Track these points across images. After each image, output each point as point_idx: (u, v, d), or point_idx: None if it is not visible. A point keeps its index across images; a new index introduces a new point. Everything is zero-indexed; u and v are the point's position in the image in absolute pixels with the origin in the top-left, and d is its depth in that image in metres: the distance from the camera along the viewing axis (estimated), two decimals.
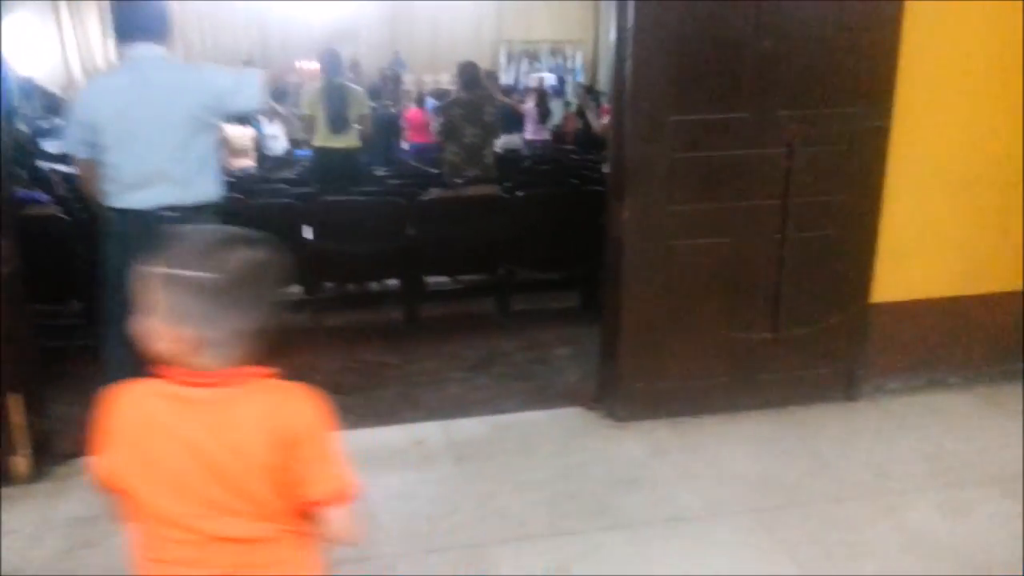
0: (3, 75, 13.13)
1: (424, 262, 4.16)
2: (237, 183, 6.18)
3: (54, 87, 14.58)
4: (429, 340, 4.05)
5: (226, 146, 6.97)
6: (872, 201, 2.99)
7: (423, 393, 3.35)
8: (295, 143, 9.05)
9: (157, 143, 2.47)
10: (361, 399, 3.29)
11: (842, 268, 3.00)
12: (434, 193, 4.64)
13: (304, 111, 5.85)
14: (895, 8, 2.82)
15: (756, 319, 2.99)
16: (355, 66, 16.94)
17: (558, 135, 10.56)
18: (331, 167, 5.62)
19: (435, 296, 4.64)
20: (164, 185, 2.48)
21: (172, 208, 2.46)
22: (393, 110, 10.84)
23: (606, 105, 6.40)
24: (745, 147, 2.86)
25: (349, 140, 5.62)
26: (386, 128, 7.12)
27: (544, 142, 9.55)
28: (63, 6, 14.62)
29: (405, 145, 9.15)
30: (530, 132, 9.55)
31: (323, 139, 5.62)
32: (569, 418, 3.05)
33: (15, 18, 13.71)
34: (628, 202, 2.84)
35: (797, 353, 3.04)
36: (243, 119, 7.40)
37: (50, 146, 6.65)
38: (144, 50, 2.51)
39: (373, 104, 7.24)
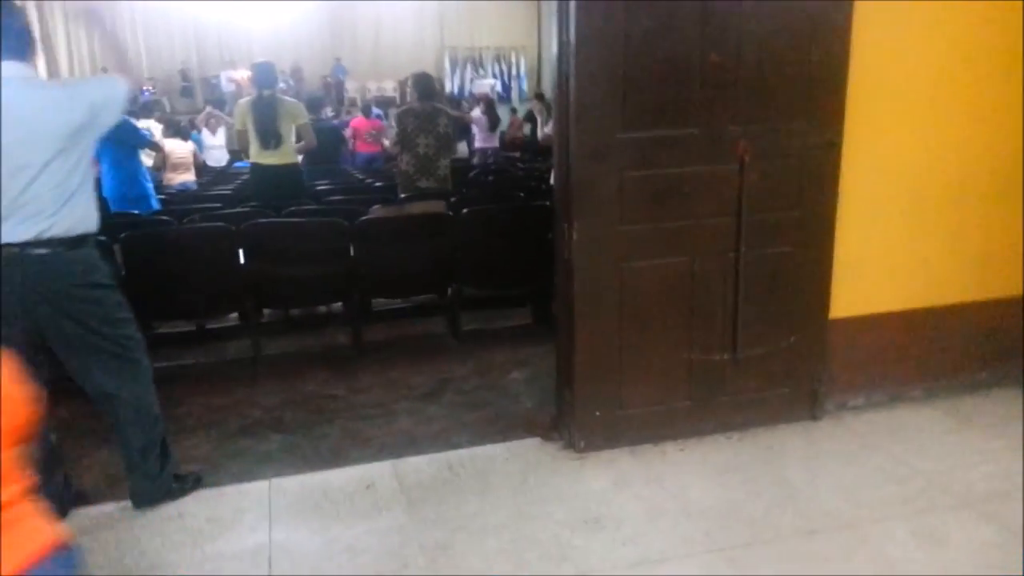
0: None
1: (368, 284, 3.96)
2: (172, 200, 5.94)
3: None
4: (376, 367, 3.87)
5: (166, 161, 6.70)
6: (826, 216, 2.91)
7: (371, 428, 3.17)
8: (234, 154, 8.74)
9: (16, 169, 2.19)
10: (305, 437, 3.09)
11: (799, 285, 2.91)
12: (377, 211, 4.45)
13: (236, 125, 5.60)
14: (844, 20, 2.74)
15: (714, 340, 2.88)
16: (297, 72, 16.66)
17: (504, 142, 10.48)
18: (267, 183, 5.39)
19: (381, 317, 4.46)
20: (27, 216, 2.23)
21: (41, 242, 2.24)
22: (335, 120, 10.61)
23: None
24: (696, 163, 2.75)
25: (283, 156, 5.37)
26: (329, 139, 6.87)
27: (494, 150, 9.44)
28: None
29: (351, 155, 8.94)
30: (480, 140, 9.42)
31: (256, 155, 5.38)
32: (526, 450, 2.90)
33: None
34: (577, 223, 2.70)
35: (758, 373, 2.94)
36: (182, 132, 7.16)
37: None
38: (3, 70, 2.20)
39: (311, 116, 7.02)
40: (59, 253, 2.27)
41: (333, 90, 17.09)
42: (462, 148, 9.44)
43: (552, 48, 2.74)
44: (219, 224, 3.74)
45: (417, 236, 3.98)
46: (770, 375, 2.95)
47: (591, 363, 2.80)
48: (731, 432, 2.94)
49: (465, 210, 4.03)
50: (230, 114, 7.94)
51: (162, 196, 6.10)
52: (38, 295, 2.26)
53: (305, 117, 5.51)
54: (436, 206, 4.48)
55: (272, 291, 3.83)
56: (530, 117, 12.29)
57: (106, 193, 5.31)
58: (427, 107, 5.50)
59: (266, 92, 5.32)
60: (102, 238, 2.72)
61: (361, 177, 7.32)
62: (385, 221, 4.00)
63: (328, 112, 12.99)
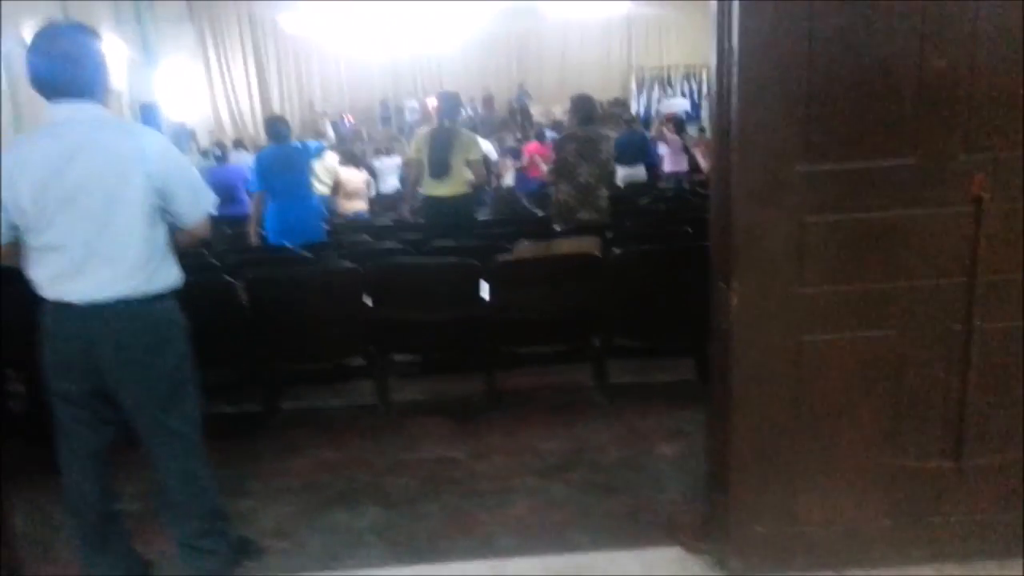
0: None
1: (500, 331, 3.49)
2: (341, 228, 5.85)
3: (205, 132, 15.25)
4: (506, 424, 3.38)
5: (340, 189, 6.71)
6: None
7: (480, 510, 2.67)
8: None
9: (95, 220, 1.92)
10: (405, 515, 2.66)
11: None
12: (522, 248, 3.98)
13: (411, 153, 5.47)
14: None
15: (929, 442, 2.10)
16: (488, 101, 16.80)
17: (693, 164, 9.73)
18: (437, 215, 5.19)
19: (522, 361, 3.96)
20: (106, 271, 1.95)
21: (121, 301, 1.95)
22: (514, 145, 10.37)
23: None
24: (908, 206, 2.01)
25: (454, 187, 5.13)
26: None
27: (683, 174, 8.77)
28: (211, 50, 15.23)
29: (524, 180, 8.64)
30: (670, 164, 8.81)
31: (428, 186, 5.19)
32: (664, 563, 2.27)
33: (167, 65, 14.43)
34: (739, 284, 2.05)
35: (989, 488, 2.12)
36: (356, 161, 7.19)
37: None
38: (74, 110, 1.95)
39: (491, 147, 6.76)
40: (141, 313, 1.99)
41: (519, 115, 17.10)
42: (639, 173, 8.83)
43: (711, 64, 2.13)
44: (344, 265, 3.42)
45: (559, 280, 3.45)
46: (1006, 492, 2.11)
47: (754, 464, 2.12)
48: (945, 563, 2.14)
49: (618, 250, 3.44)
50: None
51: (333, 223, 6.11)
52: (110, 350, 1.99)
53: (479, 152, 5.24)
54: (588, 244, 3.93)
55: (396, 336, 3.45)
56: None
57: (270, 225, 5.29)
58: (589, 132, 5.05)
59: (447, 123, 5.13)
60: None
61: (527, 204, 6.94)
62: (521, 264, 3.50)
63: (510, 139, 12.89)
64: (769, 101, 1.96)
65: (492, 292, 3.45)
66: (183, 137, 15.01)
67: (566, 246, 3.96)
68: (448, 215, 5.09)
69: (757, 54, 1.96)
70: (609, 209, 5.11)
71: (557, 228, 4.70)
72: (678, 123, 9.36)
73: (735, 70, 1.97)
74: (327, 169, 6.63)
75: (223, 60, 15.31)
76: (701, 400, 3.46)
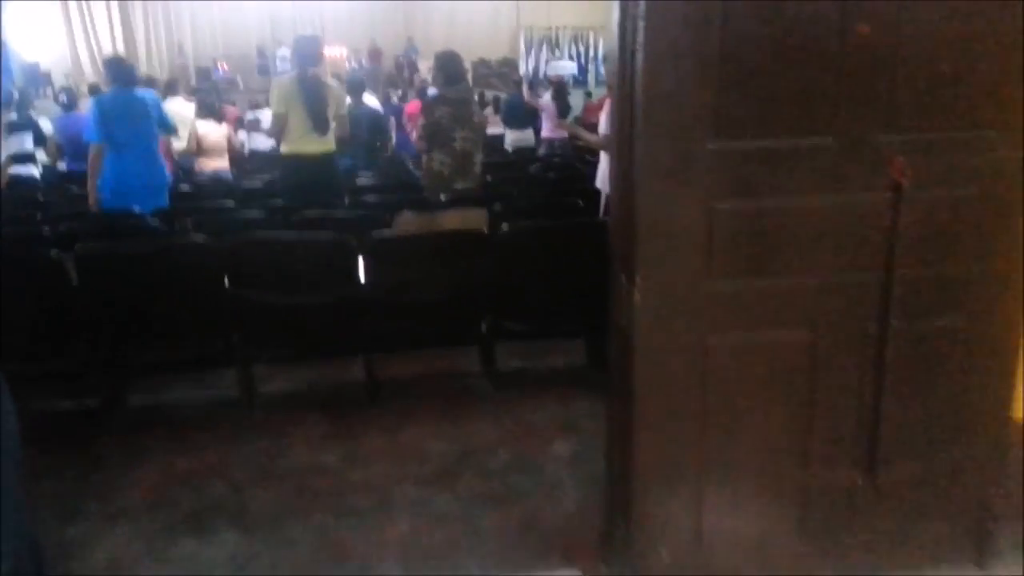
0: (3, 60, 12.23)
1: (379, 316, 3.12)
2: (197, 192, 5.22)
3: (61, 75, 13.75)
4: (387, 420, 3.03)
5: (197, 145, 6.03)
6: (1017, 272, 1.90)
7: (355, 531, 2.33)
8: None
9: None
10: (267, 541, 2.28)
11: (972, 373, 1.92)
12: (406, 220, 3.60)
13: (277, 108, 4.79)
14: None
15: (842, 453, 1.92)
16: (375, 53, 15.96)
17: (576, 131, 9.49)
18: (303, 176, 4.63)
19: (401, 347, 3.61)
20: None
21: None
22: (396, 102, 9.83)
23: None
24: (826, 190, 1.79)
25: (328, 143, 4.65)
26: (371, 126, 6.05)
27: (563, 140, 8.43)
28: None
29: (406, 142, 8.14)
30: (547, 129, 8.43)
31: (298, 142, 4.61)
32: None
33: (19, 3, 12.90)
34: (642, 276, 1.78)
35: (904, 502, 1.97)
36: (215, 114, 6.48)
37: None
38: None
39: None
40: None
41: (406, 70, 16.38)
42: (528, 136, 8.53)
43: (612, 20, 1.82)
44: (198, 240, 2.95)
45: (443, 258, 3.11)
46: (922, 505, 1.97)
47: (657, 481, 1.88)
48: None
49: (506, 225, 3.12)
50: None
51: (189, 184, 5.45)
52: None
53: (345, 107, 4.72)
54: (476, 217, 3.60)
55: (260, 322, 3.03)
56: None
57: (106, 184, 4.57)
58: (462, 93, 4.60)
59: (311, 70, 4.55)
60: None
61: (411, 167, 6.51)
62: (401, 242, 3.13)
63: (397, 94, 12.26)
64: (678, 66, 1.68)
65: (368, 271, 3.07)
66: (36, 79, 13.50)
67: (452, 219, 3.61)
68: (319, 176, 4.60)
69: (666, 10, 1.66)
70: (482, 176, 4.75)
71: (444, 197, 4.32)
72: (559, 87, 8.98)
73: (640, 27, 1.67)
74: (182, 121, 5.94)
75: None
76: (594, 388, 3.24)
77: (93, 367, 3.02)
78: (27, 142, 5.57)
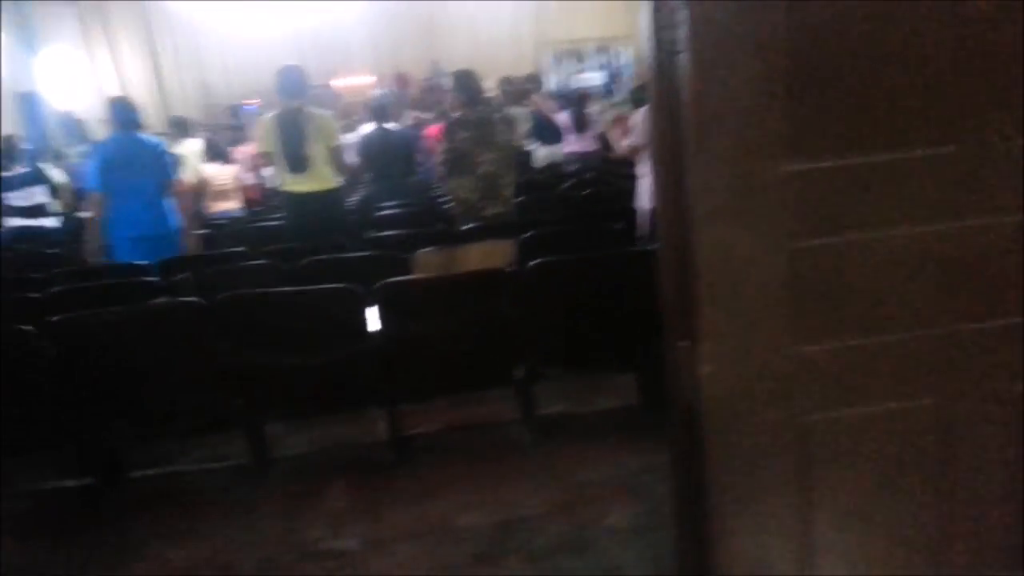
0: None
1: (399, 374, 2.72)
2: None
3: (95, 121, 13.74)
4: (412, 488, 2.63)
5: (205, 189, 5.75)
6: None
7: None
8: None
9: None
10: None
11: None
12: (425, 258, 3.21)
13: (260, 146, 4.47)
14: None
15: (989, 548, 1.45)
16: (402, 79, 15.73)
17: (606, 140, 9.00)
18: (302, 215, 4.29)
19: (428, 395, 3.19)
20: None
21: None
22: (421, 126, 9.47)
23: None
24: (947, 216, 1.33)
25: (317, 181, 4.25)
26: (398, 151, 5.66)
27: (586, 154, 7.96)
28: (98, 34, 13.79)
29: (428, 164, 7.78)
30: (569, 144, 8.01)
31: (286, 182, 4.28)
32: None
33: (48, 52, 12.93)
34: (709, 345, 1.34)
35: None
36: (223, 155, 6.18)
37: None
38: None
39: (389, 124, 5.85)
40: None
41: (434, 93, 16.12)
42: (557, 153, 8.09)
43: (643, 21, 1.39)
44: (190, 299, 2.59)
45: (465, 301, 2.70)
46: None
47: None
48: None
49: (534, 262, 2.70)
50: None
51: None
52: None
53: (337, 138, 4.34)
54: (501, 251, 3.19)
55: (265, 385, 2.65)
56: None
57: (111, 234, 4.26)
58: (482, 113, 4.20)
59: (294, 104, 4.18)
60: None
61: (436, 194, 6.12)
62: (414, 287, 2.73)
63: (428, 117, 11.93)
64: (735, 67, 1.24)
65: (382, 320, 2.67)
66: (70, 128, 13.50)
67: (475, 255, 3.20)
68: (313, 217, 4.22)
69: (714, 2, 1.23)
70: (514, 198, 4.35)
71: (466, 228, 3.93)
72: (579, 99, 8.51)
73: (683, 19, 1.24)
74: (191, 167, 5.67)
75: (112, 43, 13.84)
76: (652, 434, 2.80)
77: (83, 443, 2.68)
78: (37, 195, 5.34)
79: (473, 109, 4.09)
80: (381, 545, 2.35)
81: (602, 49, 16.17)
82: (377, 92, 14.78)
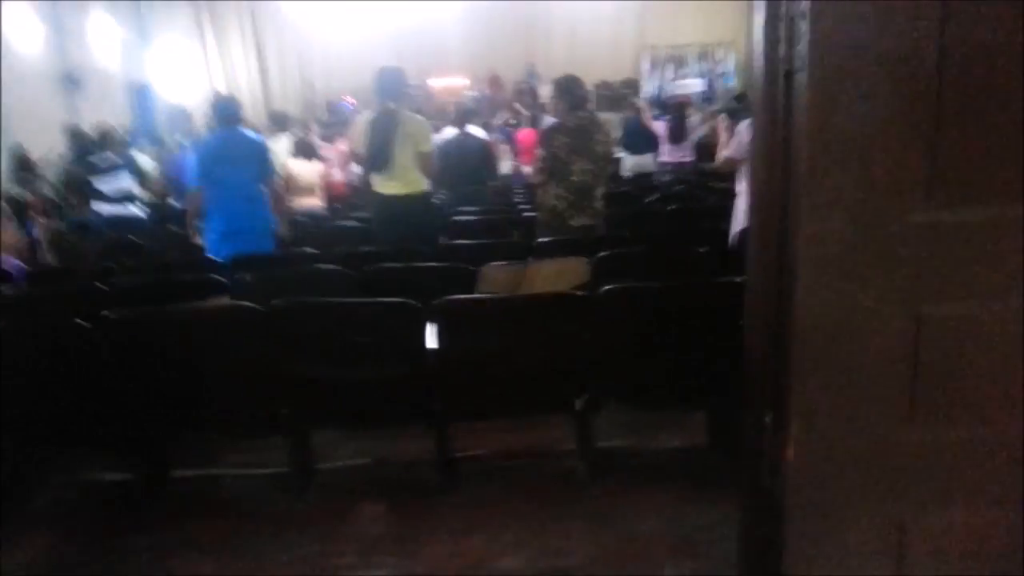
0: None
1: (454, 394, 2.54)
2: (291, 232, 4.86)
3: (202, 114, 14.26)
4: (454, 522, 2.43)
5: (291, 185, 5.73)
6: None
7: None
8: None
9: None
10: None
11: None
12: (492, 274, 3.01)
13: (354, 145, 4.39)
14: None
15: None
16: (495, 81, 15.68)
17: (703, 150, 8.60)
18: (389, 217, 4.19)
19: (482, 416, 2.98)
20: None
21: None
22: (503, 134, 9.31)
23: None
24: None
25: (404, 184, 4.12)
26: (477, 157, 5.52)
27: (680, 164, 7.62)
28: (207, 28, 14.28)
29: (514, 169, 7.60)
30: (664, 153, 7.68)
31: (374, 183, 4.19)
32: None
33: (161, 44, 13.46)
34: (799, 423, 1.08)
35: None
36: (308, 153, 6.16)
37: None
38: None
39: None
40: None
41: (527, 97, 15.97)
42: (648, 162, 7.77)
43: (755, 32, 1.15)
44: (242, 304, 2.48)
45: (529, 324, 2.49)
46: None
47: None
48: None
49: (606, 289, 2.46)
50: None
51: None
52: None
53: (430, 143, 4.20)
54: (574, 269, 2.96)
55: (314, 397, 2.51)
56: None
57: (208, 229, 4.29)
58: (582, 120, 4.03)
59: (391, 105, 4.08)
60: None
61: (517, 200, 5.95)
62: (475, 306, 2.53)
63: (520, 119, 11.79)
64: (867, 91, 0.98)
65: (439, 339, 2.48)
66: (180, 118, 14.04)
67: (547, 273, 2.99)
68: (401, 219, 4.11)
69: (847, 6, 0.98)
70: (604, 211, 4.14)
71: (542, 241, 3.72)
72: (678, 108, 8.14)
73: (802, 32, 0.99)
74: (277, 164, 5.69)
75: (221, 38, 14.32)
76: (718, 484, 2.53)
77: (129, 439, 2.61)
78: (125, 181, 5.44)
79: (573, 115, 3.92)
80: None
81: (703, 55, 15.67)
82: (469, 95, 14.82)
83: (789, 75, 1.07)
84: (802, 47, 1.02)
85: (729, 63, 15.38)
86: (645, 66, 15.78)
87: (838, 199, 1.01)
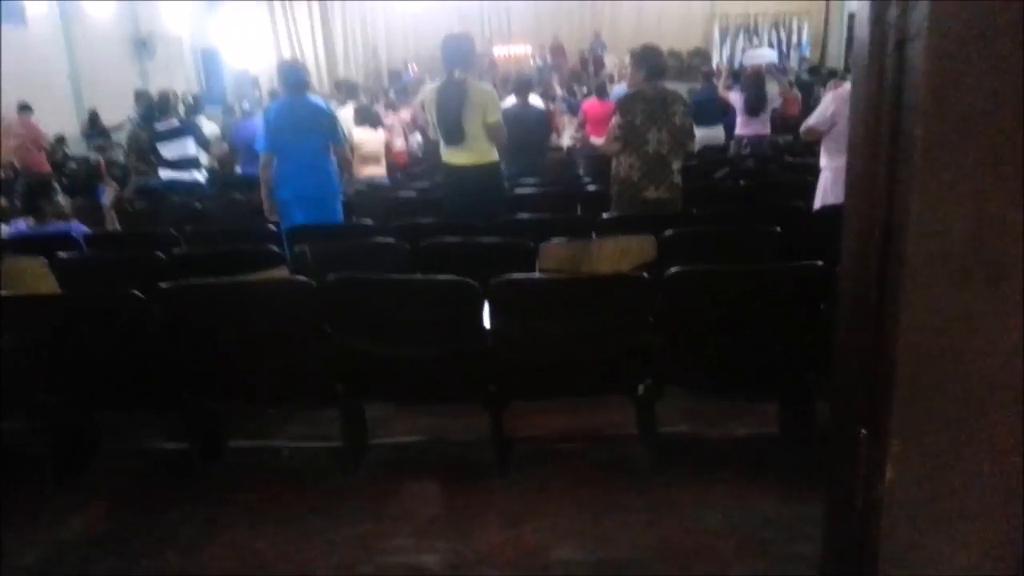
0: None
1: (508, 377, 2.45)
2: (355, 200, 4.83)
3: (268, 80, 14.39)
4: (508, 508, 2.36)
5: (354, 153, 5.70)
6: None
7: None
8: None
9: None
10: None
11: None
12: (553, 250, 2.90)
13: (428, 117, 4.32)
14: None
15: None
16: (558, 50, 15.39)
17: (777, 123, 8.22)
18: (458, 188, 4.14)
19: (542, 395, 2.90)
20: None
21: None
22: (566, 103, 9.09)
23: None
24: None
25: (474, 154, 4.04)
26: (536, 128, 5.38)
27: (758, 138, 7.23)
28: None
29: (583, 140, 7.39)
30: (740, 125, 7.31)
31: (444, 154, 4.15)
32: None
33: (229, 11, 13.60)
34: (900, 440, 0.95)
35: None
36: (372, 121, 6.09)
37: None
38: None
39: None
40: None
41: (592, 65, 15.63)
42: (718, 134, 7.47)
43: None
44: (297, 278, 2.43)
45: (589, 307, 2.38)
46: None
47: None
48: None
49: (672, 271, 2.32)
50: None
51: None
52: None
53: (497, 112, 4.09)
54: (639, 248, 2.82)
55: (368, 373, 2.46)
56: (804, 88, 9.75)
57: (276, 195, 4.28)
58: (660, 90, 3.94)
59: (457, 74, 3.98)
60: None
61: (580, 173, 5.79)
62: (533, 287, 2.42)
63: (582, 90, 11.54)
64: (1001, 65, 0.83)
65: (493, 319, 2.40)
66: (246, 84, 14.23)
67: (610, 251, 2.85)
68: (473, 191, 4.04)
69: None
70: (681, 186, 3.99)
71: (607, 216, 3.59)
72: (756, 78, 7.67)
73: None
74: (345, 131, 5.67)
75: (287, 5, 14.41)
76: (790, 476, 2.41)
77: (185, 409, 2.61)
78: (189, 147, 5.48)
79: (652, 84, 3.81)
80: (462, 568, 2.10)
81: (776, 24, 15.04)
82: (532, 63, 14.57)
83: (902, 44, 0.92)
84: (919, 11, 0.87)
85: (804, 33, 14.74)
86: (715, 35, 15.26)
87: (958, 189, 0.87)
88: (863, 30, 0.99)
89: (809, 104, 8.62)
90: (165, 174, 5.37)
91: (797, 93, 8.92)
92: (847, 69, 11.47)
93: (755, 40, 15.03)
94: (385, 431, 2.82)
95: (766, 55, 13.68)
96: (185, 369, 2.47)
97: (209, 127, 6.26)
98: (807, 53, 14.49)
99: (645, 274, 2.47)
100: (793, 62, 14.51)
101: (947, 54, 0.86)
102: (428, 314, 2.39)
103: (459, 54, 4.01)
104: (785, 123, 8.82)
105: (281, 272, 2.81)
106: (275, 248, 3.16)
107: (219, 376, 2.51)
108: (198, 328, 2.43)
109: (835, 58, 13.56)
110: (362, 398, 2.61)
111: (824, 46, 14.28)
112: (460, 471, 2.62)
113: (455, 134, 3.93)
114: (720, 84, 8.24)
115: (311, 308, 2.41)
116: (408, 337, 2.40)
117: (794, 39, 14.84)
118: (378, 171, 5.81)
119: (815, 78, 9.67)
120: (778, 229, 3.00)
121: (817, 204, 3.69)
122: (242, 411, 2.83)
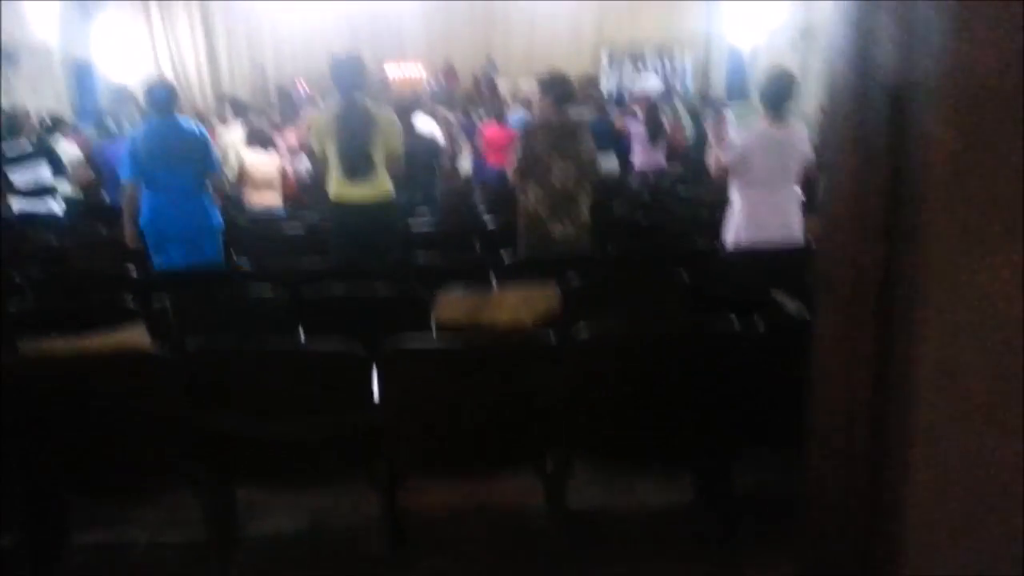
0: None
1: (401, 452, 2.14)
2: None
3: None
4: None
5: (246, 178, 5.21)
6: None
7: None
8: None
9: None
10: None
11: None
12: (449, 304, 2.61)
13: (314, 147, 3.87)
14: None
15: None
16: (450, 71, 15.13)
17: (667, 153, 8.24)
18: (353, 228, 3.66)
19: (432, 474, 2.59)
20: None
21: None
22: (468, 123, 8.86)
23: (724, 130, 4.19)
24: None
25: (374, 188, 3.64)
26: (426, 156, 5.03)
27: (657, 170, 7.12)
28: (153, 7, 13.45)
29: (481, 168, 7.12)
30: (639, 158, 7.13)
31: (338, 188, 3.65)
32: None
33: (104, 20, 12.60)
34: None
35: None
36: (265, 142, 5.56)
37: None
38: None
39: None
40: None
41: (486, 89, 15.47)
42: (614, 165, 7.35)
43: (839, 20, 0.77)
44: (144, 349, 2.03)
45: (489, 373, 2.10)
46: None
47: None
48: None
49: (584, 337, 2.08)
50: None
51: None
52: None
53: (400, 141, 3.74)
54: (543, 299, 2.57)
55: (235, 454, 2.08)
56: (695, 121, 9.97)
57: (144, 230, 3.76)
58: (566, 119, 3.72)
59: (358, 98, 3.59)
60: None
61: (477, 203, 5.52)
62: (422, 356, 2.12)
63: (477, 112, 11.30)
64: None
65: (381, 391, 2.08)
66: (123, 100, 13.16)
67: (511, 303, 2.59)
68: (366, 229, 3.62)
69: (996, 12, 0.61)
70: (589, 223, 3.77)
71: (508, 261, 3.33)
72: (650, 107, 7.60)
73: (934, 32, 0.62)
74: (232, 154, 5.14)
75: (166, 15, 13.50)
76: (708, 551, 2.22)
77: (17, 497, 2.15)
78: (43, 172, 4.81)
79: (560, 113, 3.60)
80: None
81: (661, 52, 15.37)
82: (426, 87, 14.25)
83: (901, 94, 0.70)
84: (929, 57, 0.66)
85: (687, 62, 15.15)
86: (603, 61, 15.43)
87: (968, 243, 0.66)
88: (843, 74, 0.77)
89: (699, 133, 8.70)
90: (16, 204, 4.68)
91: (688, 122, 9.03)
92: (730, 98, 11.84)
93: (640, 66, 15.31)
94: (261, 515, 2.44)
95: (652, 82, 13.98)
96: (15, 449, 2.01)
97: (71, 149, 5.55)
98: (689, 83, 14.90)
99: (551, 331, 2.22)
100: (676, 94, 14.89)
101: (970, 108, 0.65)
102: (307, 388, 2.05)
103: (353, 77, 3.61)
104: (674, 152, 8.89)
105: (133, 334, 2.38)
106: (130, 299, 2.70)
107: (57, 458, 2.07)
108: (28, 403, 1.98)
109: (717, 88, 13.99)
110: (228, 481, 2.22)
111: (707, 75, 14.72)
112: (344, 558, 2.29)
113: (361, 166, 3.53)
114: (609, 113, 8.17)
115: (163, 382, 2.02)
116: (283, 413, 2.05)
117: (678, 67, 15.22)
118: (274, 200, 5.24)
119: (708, 107, 9.84)
120: (685, 278, 2.82)
121: (729, 240, 3.57)
122: (89, 499, 2.38)
